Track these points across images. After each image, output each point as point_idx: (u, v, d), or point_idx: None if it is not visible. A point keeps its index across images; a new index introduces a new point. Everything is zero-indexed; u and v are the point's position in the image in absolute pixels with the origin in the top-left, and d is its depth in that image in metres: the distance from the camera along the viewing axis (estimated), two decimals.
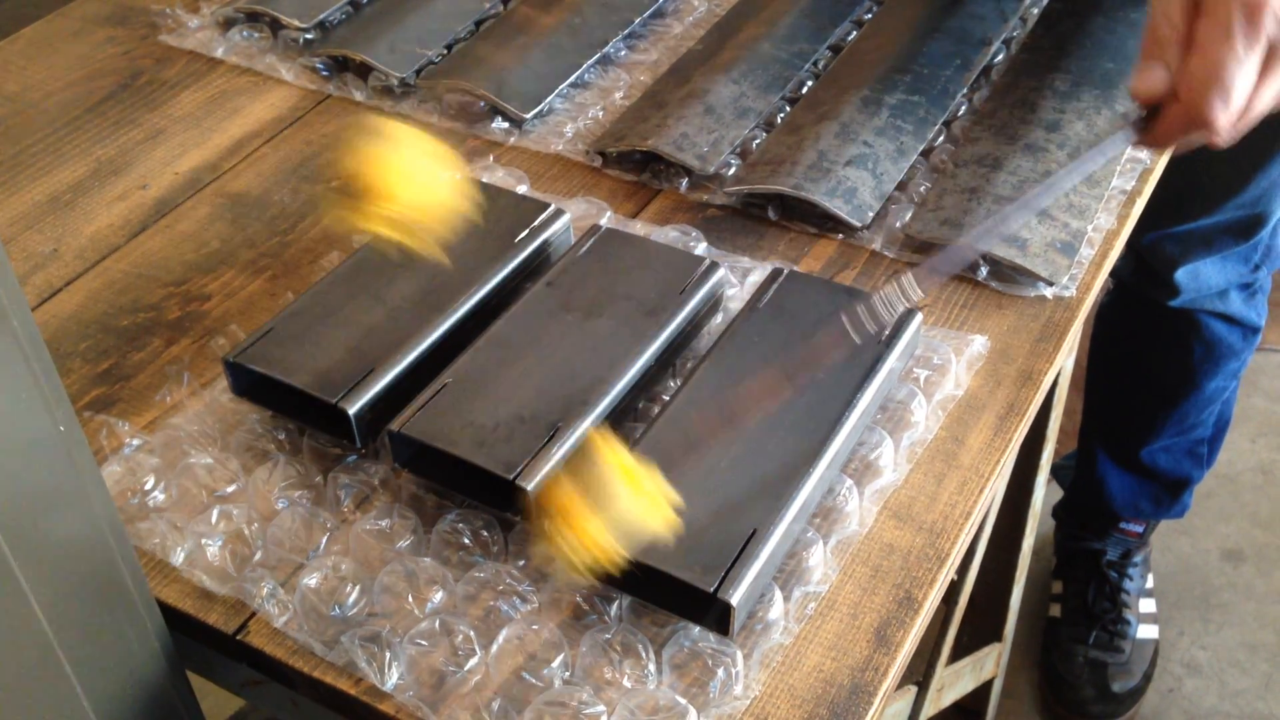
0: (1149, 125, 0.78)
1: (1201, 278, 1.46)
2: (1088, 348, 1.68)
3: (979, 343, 0.89)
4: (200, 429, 0.85)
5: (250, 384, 0.83)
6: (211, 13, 1.27)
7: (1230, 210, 1.40)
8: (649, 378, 0.83)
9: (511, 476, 0.74)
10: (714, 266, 0.88)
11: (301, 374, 0.81)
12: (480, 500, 0.78)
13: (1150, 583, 1.81)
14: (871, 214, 0.99)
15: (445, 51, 1.19)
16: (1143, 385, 1.62)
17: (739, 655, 0.71)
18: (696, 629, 0.72)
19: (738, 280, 0.94)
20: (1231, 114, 0.74)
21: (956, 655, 1.44)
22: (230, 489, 0.81)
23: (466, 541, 0.77)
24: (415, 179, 0.76)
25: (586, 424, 0.78)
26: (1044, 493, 1.38)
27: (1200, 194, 1.40)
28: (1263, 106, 0.75)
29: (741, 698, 0.70)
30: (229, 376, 0.83)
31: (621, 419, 0.82)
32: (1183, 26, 0.74)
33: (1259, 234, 1.42)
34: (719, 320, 0.91)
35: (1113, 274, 1.58)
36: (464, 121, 1.13)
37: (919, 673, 1.29)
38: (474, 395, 0.79)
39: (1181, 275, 1.45)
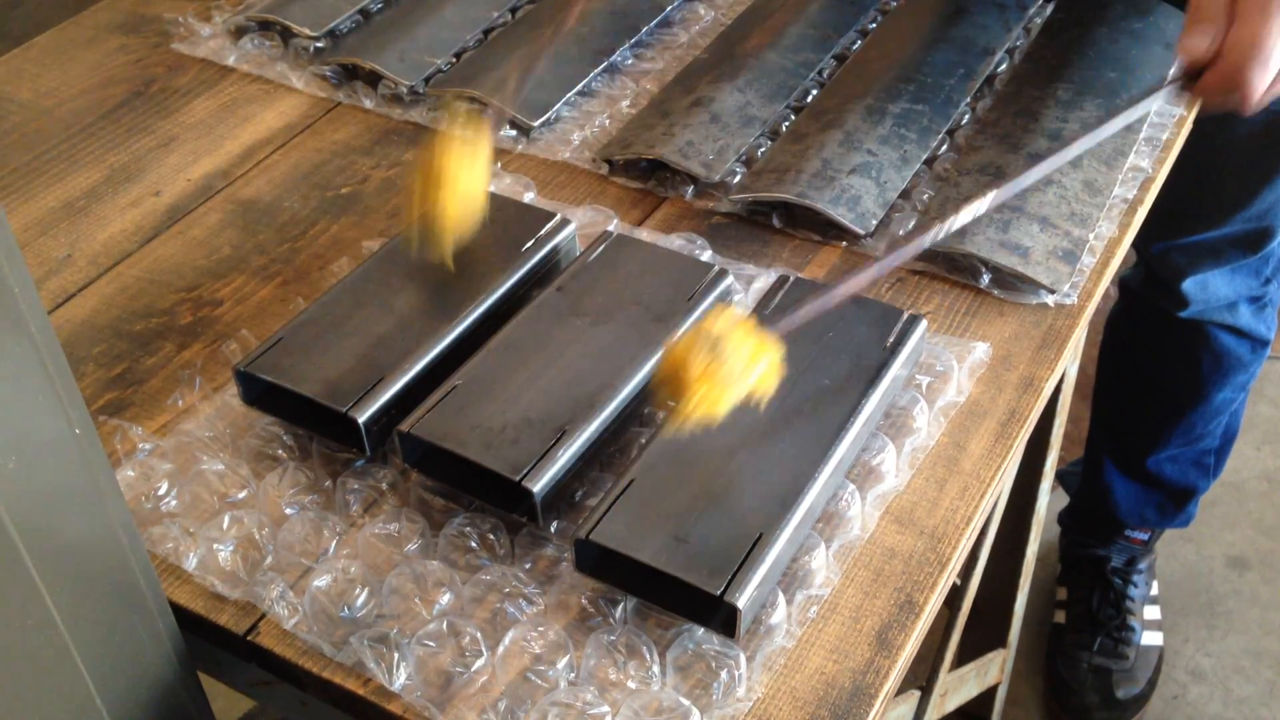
0: (1190, 84, 0.85)
1: (1210, 289, 1.47)
2: (1096, 356, 1.68)
3: (981, 349, 0.90)
4: (212, 434, 0.86)
5: (261, 393, 0.85)
6: (223, 21, 1.29)
7: (1238, 223, 1.40)
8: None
9: (518, 478, 0.75)
10: (722, 274, 0.89)
11: (311, 383, 0.82)
12: (487, 501, 0.79)
13: (1155, 589, 1.81)
14: (875, 222, 1.00)
15: (454, 60, 1.21)
16: (1150, 395, 1.62)
17: (742, 657, 0.72)
18: (700, 631, 0.73)
19: (742, 287, 0.95)
20: (1266, 82, 0.81)
21: (961, 660, 1.45)
22: (241, 494, 0.82)
23: (473, 545, 0.78)
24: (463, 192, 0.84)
25: (593, 427, 0.79)
26: (1049, 499, 1.39)
27: (1208, 206, 1.41)
28: None
29: (744, 699, 0.71)
30: (239, 385, 0.85)
31: (628, 424, 0.83)
32: None
33: (1268, 247, 1.43)
34: None
35: (1122, 283, 1.59)
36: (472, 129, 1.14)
37: (922, 677, 1.29)
38: (483, 397, 0.80)
39: (1190, 286, 1.46)
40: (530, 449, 0.77)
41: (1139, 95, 0.89)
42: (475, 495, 0.79)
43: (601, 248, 0.92)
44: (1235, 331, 1.51)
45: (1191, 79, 0.85)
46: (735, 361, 0.71)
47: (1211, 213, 1.41)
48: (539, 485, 0.75)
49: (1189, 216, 1.42)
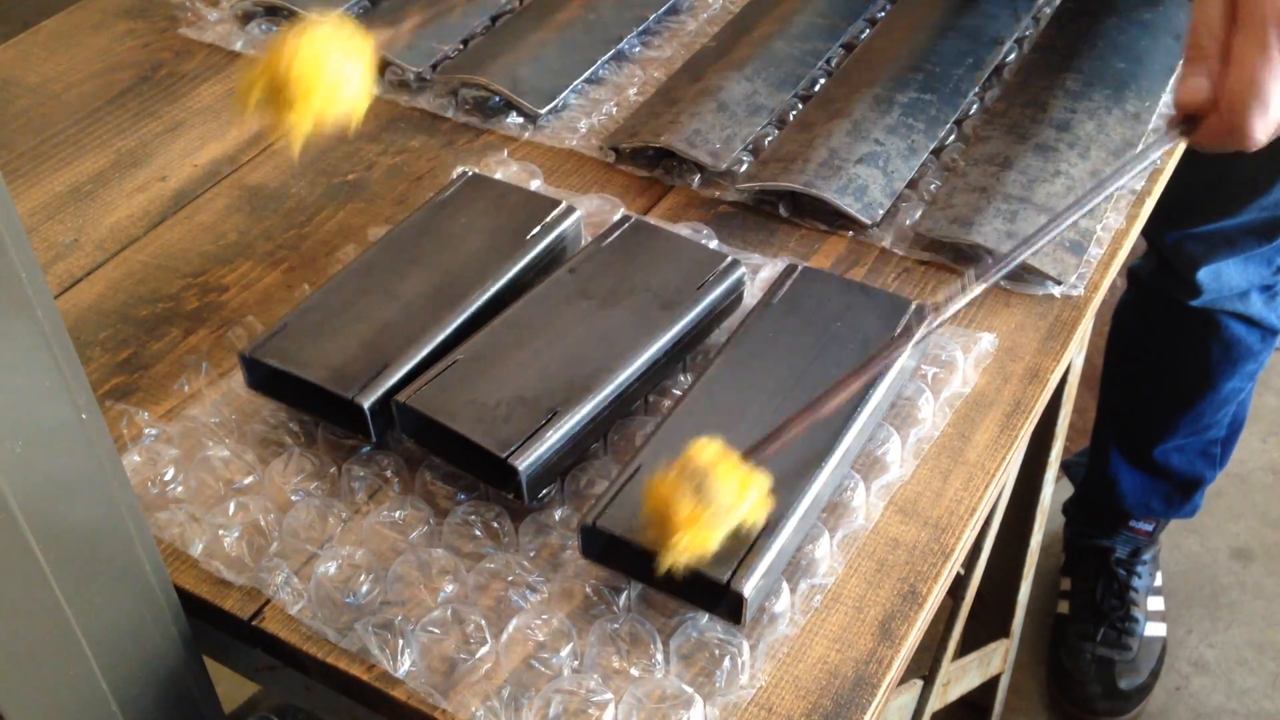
0: (1191, 130, 0.80)
1: (1223, 278, 1.47)
2: (1103, 346, 1.68)
3: (987, 340, 0.90)
4: (218, 420, 0.86)
5: (266, 378, 0.85)
6: (231, 6, 1.28)
7: (1253, 211, 1.40)
8: (657, 370, 0.84)
9: (504, 455, 0.75)
10: (735, 264, 0.89)
11: (317, 369, 0.82)
12: (479, 477, 0.79)
13: (1159, 580, 1.81)
14: (882, 211, 0.99)
15: (461, 46, 1.20)
16: (1159, 384, 1.62)
17: (745, 646, 0.72)
18: (704, 619, 0.73)
19: (749, 276, 0.94)
20: (1269, 126, 0.76)
21: (963, 650, 1.45)
22: (247, 480, 0.82)
23: (478, 533, 0.78)
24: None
25: (585, 410, 0.79)
26: (1053, 489, 1.38)
27: (1223, 195, 1.40)
28: None
29: (747, 687, 0.71)
30: (245, 371, 0.85)
31: (627, 409, 0.83)
32: (1222, 36, 0.76)
33: None
34: (735, 317, 0.91)
35: (1131, 273, 1.59)
36: (479, 116, 1.14)
37: (925, 667, 1.30)
38: (481, 373, 0.80)
39: (1204, 275, 1.46)
40: (520, 427, 0.77)
41: (1143, 150, 0.87)
42: (468, 470, 0.80)
43: (618, 232, 0.92)
44: (1246, 320, 1.51)
45: (1191, 125, 0.82)
46: (723, 500, 0.66)
47: (1227, 202, 1.41)
48: (525, 463, 0.75)
49: (1204, 206, 1.42)
